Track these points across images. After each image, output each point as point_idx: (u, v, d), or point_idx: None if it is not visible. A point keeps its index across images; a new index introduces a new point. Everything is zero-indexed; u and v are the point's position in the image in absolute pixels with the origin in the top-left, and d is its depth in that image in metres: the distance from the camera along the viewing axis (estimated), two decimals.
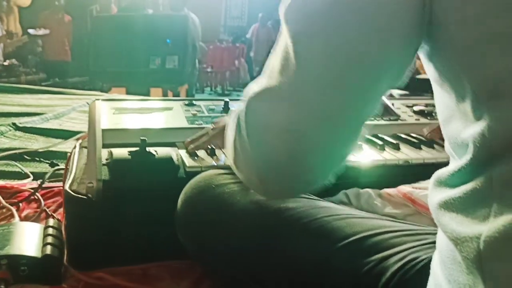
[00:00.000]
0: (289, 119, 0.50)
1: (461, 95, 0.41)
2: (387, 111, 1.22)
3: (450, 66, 0.43)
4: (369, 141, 1.06)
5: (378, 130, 1.13)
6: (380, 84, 0.48)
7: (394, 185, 0.88)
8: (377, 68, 0.46)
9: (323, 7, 0.46)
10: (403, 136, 1.11)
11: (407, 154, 1.01)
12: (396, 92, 1.83)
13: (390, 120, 1.19)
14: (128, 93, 3.91)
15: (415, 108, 1.27)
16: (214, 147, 0.96)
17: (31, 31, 5.64)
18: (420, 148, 1.04)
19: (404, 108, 1.27)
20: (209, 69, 8.54)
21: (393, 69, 0.47)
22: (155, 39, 3.98)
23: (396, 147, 1.03)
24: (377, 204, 0.83)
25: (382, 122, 1.17)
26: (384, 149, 1.03)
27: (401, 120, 1.20)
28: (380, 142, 1.04)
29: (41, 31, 5.66)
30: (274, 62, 0.52)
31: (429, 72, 0.47)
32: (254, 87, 0.54)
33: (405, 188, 0.84)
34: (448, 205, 0.41)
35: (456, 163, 0.42)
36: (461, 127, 0.42)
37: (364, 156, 0.99)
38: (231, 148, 0.59)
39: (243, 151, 0.56)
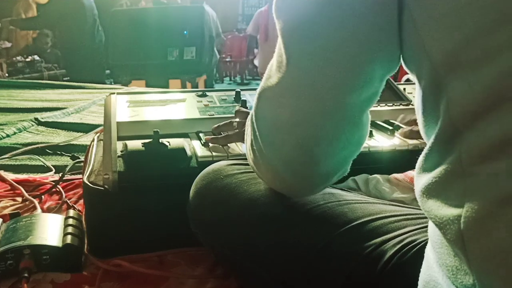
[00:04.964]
0: (293, 113, 0.51)
1: (425, 77, 0.42)
2: (399, 96, 1.22)
3: (413, 46, 0.43)
4: (379, 127, 1.07)
5: (389, 116, 1.14)
6: (372, 69, 0.48)
7: (404, 170, 0.89)
8: (366, 55, 0.47)
9: (307, 1, 0.47)
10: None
11: (417, 139, 1.01)
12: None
13: (401, 105, 1.19)
14: (147, 85, 3.95)
15: None
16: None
17: None
18: None
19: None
20: (227, 59, 8.54)
21: (383, 54, 0.48)
22: (172, 31, 4.01)
23: None
24: (385, 189, 0.84)
25: (393, 107, 1.18)
26: (394, 135, 1.03)
27: (412, 105, 1.20)
28: (390, 127, 1.05)
29: None
30: (272, 61, 0.54)
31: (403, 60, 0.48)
32: (258, 88, 0.56)
33: (412, 173, 0.84)
34: (428, 191, 0.41)
35: (428, 143, 0.42)
36: (428, 110, 0.42)
37: (374, 142, 1.00)
38: (249, 151, 0.61)
39: (259, 153, 0.57)
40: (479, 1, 0.36)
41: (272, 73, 0.53)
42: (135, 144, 0.92)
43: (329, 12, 0.46)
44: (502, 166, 0.35)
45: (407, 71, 0.47)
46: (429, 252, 0.44)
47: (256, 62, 5.53)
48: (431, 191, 0.41)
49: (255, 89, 1.24)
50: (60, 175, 1.26)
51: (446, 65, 0.39)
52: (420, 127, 0.46)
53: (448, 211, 0.38)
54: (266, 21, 4.50)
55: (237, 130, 0.94)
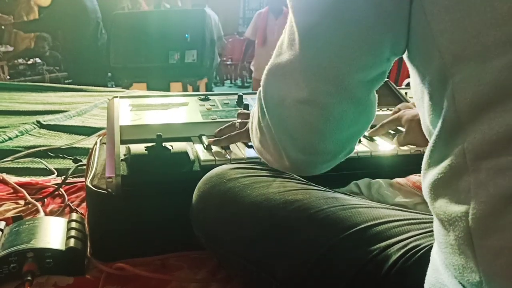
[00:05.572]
0: (301, 90, 0.52)
1: (433, 68, 0.42)
2: (400, 101, 1.22)
3: (421, 35, 0.43)
4: None
5: None
6: (381, 50, 0.49)
7: (406, 175, 0.89)
8: (375, 35, 0.47)
9: None
10: None
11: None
12: None
13: None
14: (148, 88, 3.97)
15: None
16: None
17: None
18: None
19: None
20: (228, 62, 8.55)
21: (392, 35, 0.48)
22: (174, 34, 4.03)
23: None
24: (387, 194, 0.84)
25: None
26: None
27: None
28: (392, 132, 1.05)
29: None
30: (283, 37, 0.54)
31: (408, 51, 0.48)
32: (268, 65, 0.57)
33: (414, 177, 0.85)
34: (434, 187, 0.42)
35: (432, 137, 0.42)
36: (436, 102, 0.42)
37: (376, 146, 1.00)
38: (257, 129, 0.62)
39: (267, 129, 0.58)
40: None
41: (283, 50, 0.54)
42: (138, 148, 0.92)
43: None
44: (506, 162, 0.35)
45: (409, 63, 0.48)
46: (435, 254, 0.45)
47: (252, 67, 4.79)
48: (437, 187, 0.41)
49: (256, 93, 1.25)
50: (63, 178, 1.27)
51: (455, 56, 0.39)
52: (426, 120, 0.46)
53: (455, 208, 0.38)
54: (265, 24, 4.17)
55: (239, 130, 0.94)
